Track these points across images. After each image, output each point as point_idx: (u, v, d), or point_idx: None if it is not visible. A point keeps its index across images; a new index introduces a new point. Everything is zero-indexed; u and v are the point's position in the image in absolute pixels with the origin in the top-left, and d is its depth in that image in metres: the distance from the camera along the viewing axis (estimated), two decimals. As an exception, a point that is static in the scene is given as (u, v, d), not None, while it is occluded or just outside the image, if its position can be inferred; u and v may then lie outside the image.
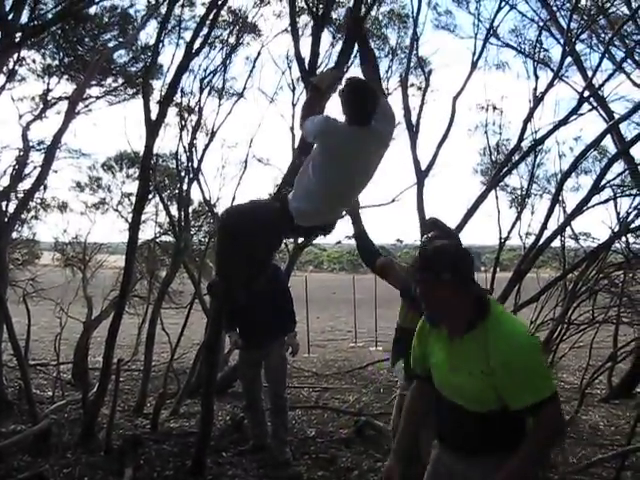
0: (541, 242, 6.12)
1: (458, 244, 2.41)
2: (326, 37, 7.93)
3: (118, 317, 5.02)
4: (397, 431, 3.58)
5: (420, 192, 6.88)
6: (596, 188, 5.90)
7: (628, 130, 7.76)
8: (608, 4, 6.98)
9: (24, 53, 7.91)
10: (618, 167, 7.35)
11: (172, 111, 7.77)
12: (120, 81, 8.95)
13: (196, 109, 8.47)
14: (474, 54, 7.41)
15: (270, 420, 4.98)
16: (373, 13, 8.24)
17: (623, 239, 6.78)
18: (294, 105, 8.71)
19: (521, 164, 8.37)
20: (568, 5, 7.25)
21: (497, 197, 8.18)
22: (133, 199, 9.48)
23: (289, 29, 5.70)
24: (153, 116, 5.13)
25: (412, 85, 8.44)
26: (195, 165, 8.40)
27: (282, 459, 4.74)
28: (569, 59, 7.29)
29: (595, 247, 6.54)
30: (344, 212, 3.61)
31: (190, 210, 8.93)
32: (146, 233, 9.86)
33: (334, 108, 3.40)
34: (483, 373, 2.07)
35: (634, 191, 7.31)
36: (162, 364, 8.72)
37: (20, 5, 5.71)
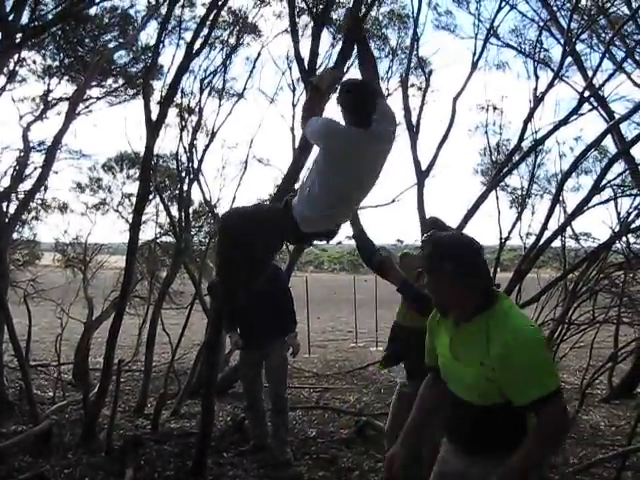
0: (541, 242, 6.12)
1: (462, 235, 2.39)
2: (326, 37, 7.96)
3: (119, 318, 5.02)
4: (391, 433, 3.59)
5: (420, 192, 6.89)
6: (596, 188, 5.89)
7: (628, 130, 7.77)
8: (608, 4, 6.98)
9: (25, 54, 7.95)
10: (618, 167, 7.37)
11: (172, 112, 7.79)
12: (120, 82, 8.96)
13: (196, 110, 8.49)
14: (474, 54, 7.43)
15: (271, 420, 4.98)
16: (373, 13, 8.25)
17: (624, 239, 6.79)
18: (294, 105, 8.75)
19: (521, 164, 8.39)
20: (568, 5, 7.25)
21: (497, 197, 8.21)
22: (133, 200, 9.53)
23: (289, 29, 5.70)
24: (153, 117, 5.14)
25: (412, 85, 8.46)
26: (195, 166, 8.43)
27: (283, 459, 4.73)
28: (569, 59, 7.29)
29: (596, 247, 6.54)
30: (348, 217, 3.54)
31: (190, 211, 8.94)
32: (147, 234, 9.88)
33: (334, 108, 3.38)
34: (482, 365, 2.06)
35: (634, 191, 7.31)
36: (163, 365, 8.73)
37: (20, 6, 5.71)
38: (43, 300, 8.87)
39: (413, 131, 7.10)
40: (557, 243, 7.03)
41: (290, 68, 8.75)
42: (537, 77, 7.41)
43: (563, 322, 6.48)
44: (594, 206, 6.09)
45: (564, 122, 6.46)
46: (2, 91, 7.44)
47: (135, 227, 5.22)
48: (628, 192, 7.39)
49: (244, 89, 9.02)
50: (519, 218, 8.87)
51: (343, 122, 3.29)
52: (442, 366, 2.30)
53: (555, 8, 7.52)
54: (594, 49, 7.87)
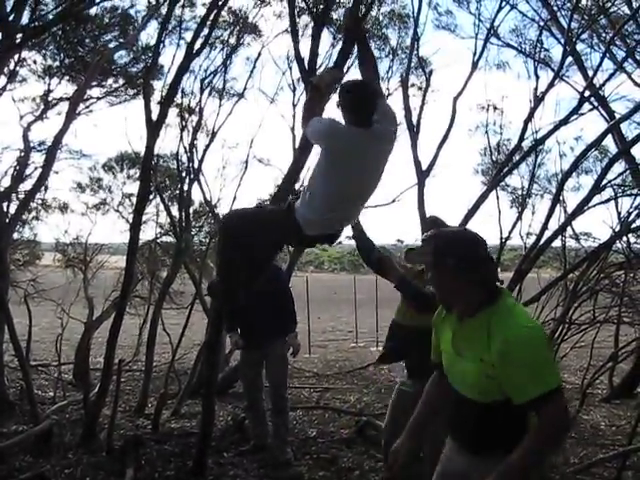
0: (542, 242, 6.12)
1: (465, 230, 2.39)
2: (326, 37, 7.96)
3: (119, 318, 5.02)
4: (388, 430, 3.59)
5: (421, 192, 6.88)
6: (597, 188, 5.89)
7: (629, 130, 7.78)
8: (609, 4, 6.97)
9: (25, 54, 7.95)
10: (619, 167, 7.37)
11: (173, 112, 7.79)
12: (121, 82, 8.96)
13: (197, 110, 8.49)
14: (475, 54, 7.43)
15: (271, 420, 4.98)
16: (374, 13, 8.25)
17: (624, 239, 6.79)
18: (295, 105, 8.75)
19: (522, 164, 8.38)
20: (569, 5, 7.24)
21: (498, 197, 8.20)
22: (134, 200, 9.54)
23: (289, 29, 5.70)
24: (154, 117, 5.13)
25: (413, 85, 8.45)
26: (196, 166, 8.43)
27: (283, 459, 4.73)
28: (570, 59, 7.29)
29: (596, 247, 6.55)
30: (354, 218, 3.51)
31: (191, 211, 8.94)
32: (147, 234, 9.89)
33: (334, 109, 3.38)
34: (482, 361, 2.05)
35: (635, 191, 7.31)
36: (163, 364, 8.74)
37: (21, 6, 5.71)
38: (43, 300, 8.88)
39: (413, 131, 7.10)
40: (557, 243, 7.03)
41: (290, 68, 8.76)
42: (537, 77, 7.41)
43: (563, 322, 6.48)
44: (594, 206, 6.10)
45: (564, 122, 6.46)
46: (2, 91, 7.45)
47: (135, 227, 5.22)
48: (629, 192, 7.39)
49: (244, 89, 9.03)
50: (519, 218, 8.86)
51: (344, 123, 3.29)
52: (445, 362, 2.29)
53: (555, 8, 7.52)
54: (594, 49, 7.88)
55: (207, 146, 8.54)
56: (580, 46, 7.59)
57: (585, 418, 6.53)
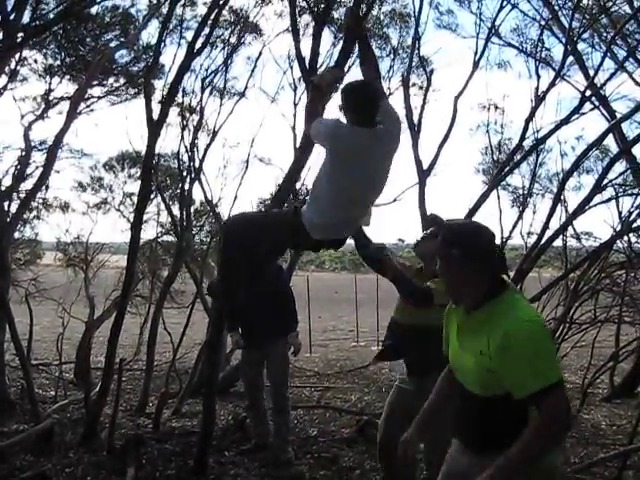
0: (543, 241, 6.12)
1: (473, 222, 2.40)
2: (327, 37, 7.96)
3: (120, 317, 5.02)
4: (385, 427, 3.59)
5: (422, 191, 6.89)
6: (598, 187, 5.90)
7: (630, 129, 7.80)
8: (610, 3, 6.97)
9: (26, 53, 7.96)
10: (620, 166, 7.37)
11: (174, 111, 7.80)
12: (122, 81, 8.96)
13: (198, 109, 8.49)
14: (476, 53, 7.43)
15: (272, 419, 4.98)
16: (375, 12, 8.25)
17: (625, 238, 6.80)
18: (295, 105, 8.74)
19: (523, 163, 8.39)
20: (570, 4, 7.24)
21: (499, 196, 8.25)
22: (135, 199, 9.54)
23: (290, 29, 5.70)
24: (155, 116, 5.13)
25: (414, 85, 8.46)
26: (197, 165, 8.43)
27: (284, 458, 4.73)
28: (571, 58, 7.29)
29: (597, 246, 6.56)
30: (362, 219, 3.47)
31: (192, 210, 8.95)
32: (148, 233, 9.91)
33: (335, 109, 3.37)
34: (482, 354, 2.04)
35: (636, 190, 7.32)
36: (164, 364, 8.73)
37: (22, 5, 5.72)
38: (44, 299, 8.89)
39: (414, 130, 7.10)
40: (558, 242, 7.04)
41: (291, 67, 8.75)
42: (538, 76, 7.41)
43: (564, 321, 6.49)
44: (595, 205, 6.11)
45: (565, 121, 6.46)
46: (4, 90, 7.45)
47: (136, 226, 5.22)
48: (629, 191, 7.41)
49: (245, 88, 9.03)
50: (520, 217, 8.89)
51: (345, 122, 3.28)
52: (450, 355, 2.29)
53: (556, 7, 7.52)
54: (595, 48, 7.88)
55: (208, 145, 8.55)
56: (581, 45, 7.62)
57: (586, 417, 6.53)
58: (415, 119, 7.20)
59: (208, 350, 4.66)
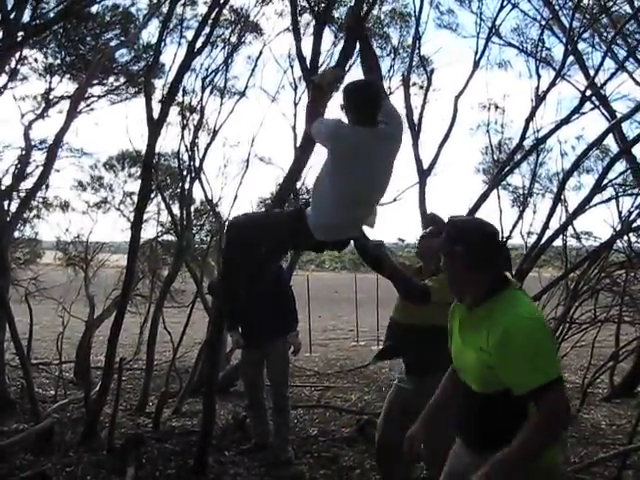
0: (543, 241, 6.12)
1: (477, 219, 2.40)
2: (327, 36, 7.95)
3: (120, 316, 5.02)
4: (383, 426, 3.59)
5: (422, 191, 6.88)
6: (598, 187, 5.90)
7: (630, 129, 7.80)
8: (610, 3, 6.97)
9: (26, 52, 7.94)
10: (620, 166, 7.37)
11: (174, 110, 7.80)
12: (122, 80, 8.96)
13: (198, 108, 8.49)
14: (476, 53, 7.42)
15: (272, 419, 4.98)
16: (375, 12, 8.24)
17: (625, 238, 6.80)
18: (296, 104, 8.74)
19: (523, 163, 8.39)
20: (570, 4, 7.24)
21: (499, 196, 8.23)
22: (135, 198, 9.54)
23: (291, 28, 5.70)
24: (155, 115, 5.13)
25: (414, 84, 8.44)
26: (197, 164, 8.42)
27: (284, 458, 4.73)
28: (571, 58, 7.28)
29: (597, 246, 6.56)
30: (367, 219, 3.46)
31: (192, 209, 8.94)
32: (148, 232, 9.90)
33: (336, 109, 3.37)
34: (482, 350, 2.04)
35: (636, 190, 7.32)
36: (164, 363, 8.74)
37: (22, 4, 5.71)
38: (44, 298, 8.88)
39: (415, 130, 7.09)
40: (558, 242, 7.03)
41: (292, 66, 8.74)
42: (539, 76, 7.40)
43: (564, 321, 6.49)
44: (595, 205, 6.12)
45: (566, 121, 6.46)
46: (4, 89, 7.45)
47: (136, 225, 5.22)
48: (629, 191, 7.41)
49: (246, 87, 9.03)
50: (520, 217, 8.88)
51: (347, 121, 3.27)
52: (453, 351, 2.30)
53: (557, 7, 7.52)
54: (596, 48, 7.86)
55: (208, 144, 8.54)
56: (581, 45, 7.61)
57: (586, 417, 6.53)
58: (415, 119, 7.19)
59: (208, 349, 4.66)
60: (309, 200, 3.53)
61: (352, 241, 3.49)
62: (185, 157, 8.33)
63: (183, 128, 8.24)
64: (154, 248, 10.40)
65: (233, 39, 8.53)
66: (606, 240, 6.41)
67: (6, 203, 6.83)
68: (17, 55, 7.33)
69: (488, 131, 9.26)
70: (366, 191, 3.29)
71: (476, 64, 7.38)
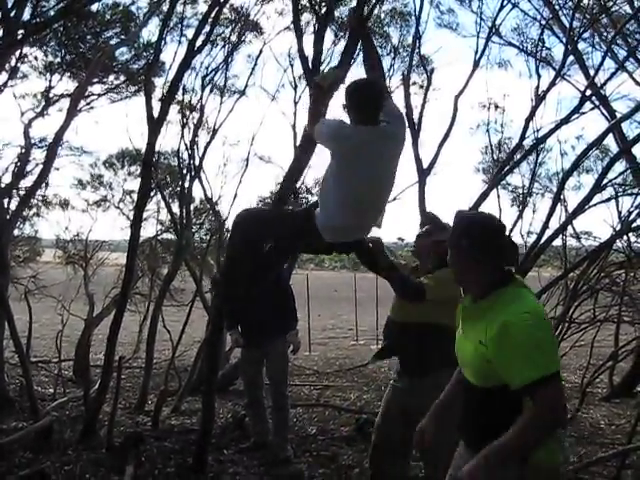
0: (542, 241, 6.12)
1: (483, 214, 2.41)
2: (329, 35, 7.95)
3: (119, 314, 5.02)
4: (380, 425, 3.59)
5: (422, 190, 6.87)
6: (598, 187, 5.90)
7: (630, 129, 7.80)
8: (610, 3, 6.97)
9: (26, 50, 7.93)
10: (620, 166, 7.37)
11: (174, 109, 7.79)
12: (122, 78, 8.96)
13: (198, 107, 8.48)
14: (476, 52, 7.40)
15: (271, 418, 4.98)
16: (375, 11, 8.23)
17: (624, 238, 6.80)
18: (296, 103, 8.75)
19: (523, 163, 8.39)
20: (570, 4, 7.24)
21: (499, 196, 8.25)
22: (135, 196, 9.53)
23: (292, 27, 5.70)
24: (155, 114, 5.13)
25: (414, 83, 8.43)
26: (197, 163, 8.42)
27: (283, 457, 4.74)
28: (571, 58, 7.28)
29: (597, 246, 6.56)
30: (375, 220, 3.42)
31: (192, 208, 8.94)
32: (148, 231, 9.91)
33: (337, 109, 3.36)
34: (480, 343, 2.05)
35: (636, 190, 7.32)
36: (163, 361, 8.74)
37: (22, 2, 5.71)
38: (44, 297, 8.89)
39: (415, 129, 7.09)
40: (558, 242, 7.03)
41: (292, 65, 8.75)
42: (539, 76, 7.39)
43: (564, 321, 6.49)
44: (595, 205, 6.11)
45: (566, 121, 6.46)
46: (4, 87, 7.45)
47: (136, 224, 5.22)
48: (629, 191, 7.41)
49: (246, 86, 9.02)
50: (520, 216, 8.89)
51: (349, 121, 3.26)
52: (456, 345, 2.30)
53: (557, 7, 7.52)
54: (596, 48, 7.87)
55: (208, 143, 8.53)
56: (581, 45, 7.61)
57: (585, 417, 6.53)
58: (415, 118, 7.19)
59: (207, 348, 4.66)
60: (317, 201, 3.51)
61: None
62: (185, 156, 8.34)
63: (183, 127, 8.24)
64: (154, 246, 10.41)
65: (233, 38, 8.53)
66: (606, 240, 6.41)
67: (6, 201, 6.84)
68: (17, 53, 7.34)
69: (488, 131, 9.27)
70: (370, 191, 3.25)
71: (476, 63, 7.38)
